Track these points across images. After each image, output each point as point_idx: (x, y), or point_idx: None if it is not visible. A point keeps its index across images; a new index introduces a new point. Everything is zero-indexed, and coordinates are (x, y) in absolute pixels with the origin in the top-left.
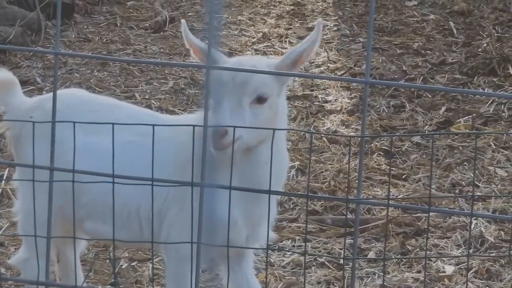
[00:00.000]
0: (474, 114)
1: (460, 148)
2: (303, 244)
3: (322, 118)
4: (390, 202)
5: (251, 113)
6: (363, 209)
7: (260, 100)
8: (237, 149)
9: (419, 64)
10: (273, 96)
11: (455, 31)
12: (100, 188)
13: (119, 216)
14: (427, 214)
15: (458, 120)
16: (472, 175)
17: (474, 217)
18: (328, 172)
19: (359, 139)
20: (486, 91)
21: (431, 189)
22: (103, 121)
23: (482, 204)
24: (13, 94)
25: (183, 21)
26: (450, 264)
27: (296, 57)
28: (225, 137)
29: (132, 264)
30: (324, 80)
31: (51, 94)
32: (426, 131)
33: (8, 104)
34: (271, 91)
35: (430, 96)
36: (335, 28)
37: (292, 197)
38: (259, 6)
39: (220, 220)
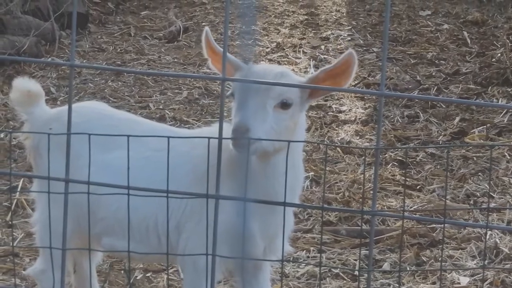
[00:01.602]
0: (488, 125)
1: (475, 158)
2: (318, 255)
3: (336, 128)
4: (405, 213)
5: (274, 117)
6: (378, 220)
7: (284, 105)
8: (254, 151)
9: (433, 74)
10: (297, 106)
11: (469, 41)
12: (118, 204)
13: (137, 231)
14: (442, 226)
15: (473, 131)
16: (487, 186)
17: (490, 228)
18: (343, 183)
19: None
20: (500, 101)
21: (446, 200)
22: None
23: (497, 215)
24: (37, 105)
25: (206, 28)
26: (465, 276)
27: (324, 75)
28: (246, 135)
29: (147, 275)
30: None
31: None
32: (441, 142)
33: (31, 113)
34: (295, 99)
35: (444, 106)
36: (349, 38)
37: (309, 208)
38: (272, 15)
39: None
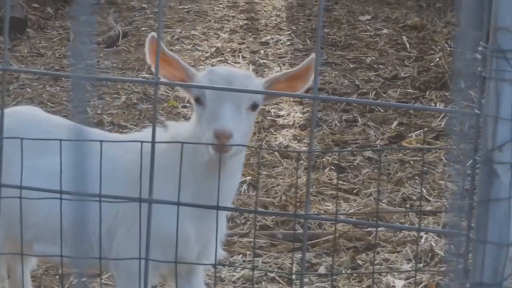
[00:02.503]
0: (426, 129)
1: (411, 162)
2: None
3: (275, 133)
4: (339, 217)
5: (246, 119)
6: (314, 224)
7: (254, 107)
8: (231, 154)
9: (372, 78)
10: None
11: (407, 46)
12: (49, 209)
13: (68, 235)
14: (376, 229)
15: (410, 135)
16: (422, 190)
17: (424, 231)
18: (280, 187)
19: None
20: (438, 105)
21: (381, 204)
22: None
23: (432, 219)
24: None
25: (152, 34)
26: (400, 279)
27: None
28: (230, 140)
29: (82, 280)
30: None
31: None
32: (378, 146)
33: None
34: (260, 100)
35: (382, 110)
36: (288, 43)
37: (243, 212)
38: (212, 20)
39: (172, 236)
